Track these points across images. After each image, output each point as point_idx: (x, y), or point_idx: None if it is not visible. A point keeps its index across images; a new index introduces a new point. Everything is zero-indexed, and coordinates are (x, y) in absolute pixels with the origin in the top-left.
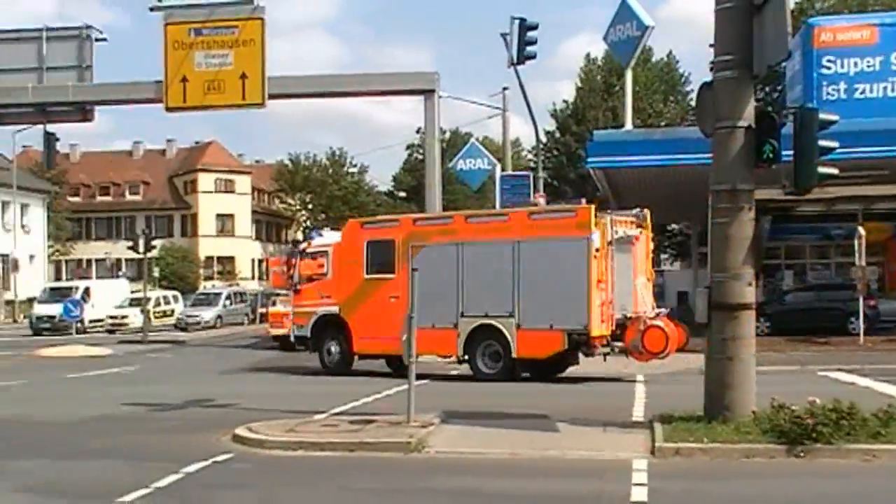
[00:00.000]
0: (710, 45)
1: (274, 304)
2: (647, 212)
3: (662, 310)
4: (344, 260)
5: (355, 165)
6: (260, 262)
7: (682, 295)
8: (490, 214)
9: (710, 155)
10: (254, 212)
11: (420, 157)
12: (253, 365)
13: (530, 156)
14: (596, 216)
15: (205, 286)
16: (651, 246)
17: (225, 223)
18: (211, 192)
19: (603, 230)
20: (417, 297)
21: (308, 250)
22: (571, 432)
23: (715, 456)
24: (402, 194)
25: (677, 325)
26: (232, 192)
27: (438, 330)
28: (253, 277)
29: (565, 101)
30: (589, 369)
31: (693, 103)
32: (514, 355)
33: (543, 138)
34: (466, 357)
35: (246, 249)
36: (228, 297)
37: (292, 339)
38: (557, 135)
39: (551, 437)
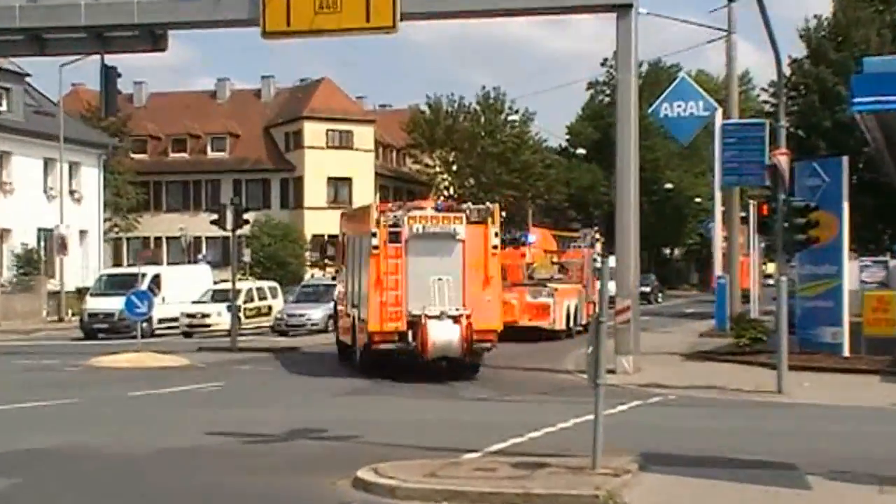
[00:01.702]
0: None
1: None
2: (492, 206)
3: (463, 311)
4: None
5: (516, 112)
6: None
7: None
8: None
9: None
10: (378, 175)
11: (607, 99)
12: (381, 382)
13: (766, 96)
14: (386, 212)
15: (312, 275)
16: (496, 241)
17: (340, 190)
18: (321, 147)
19: (383, 227)
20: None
21: None
22: (831, 492)
23: None
24: (581, 151)
25: None
26: (349, 147)
27: None
28: None
29: (817, 18)
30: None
31: None
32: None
33: (787, 70)
34: None
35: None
36: None
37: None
38: (807, 65)
39: (804, 500)
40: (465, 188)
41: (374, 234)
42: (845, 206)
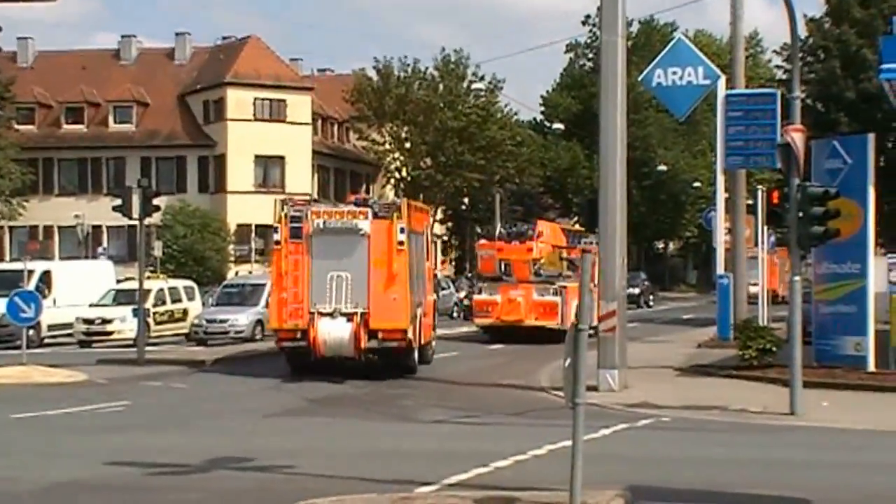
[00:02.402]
0: None
1: (480, 291)
2: (399, 201)
3: (358, 309)
4: None
5: (482, 79)
6: None
7: None
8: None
9: None
10: (316, 153)
11: (589, 65)
12: (322, 400)
13: (778, 61)
14: (285, 207)
15: (237, 273)
16: (402, 237)
17: (270, 171)
18: (248, 119)
19: (285, 221)
20: None
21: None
22: None
23: None
24: (559, 126)
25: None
26: (282, 120)
27: None
28: None
29: None
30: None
31: None
32: None
33: (803, 31)
34: None
35: None
36: None
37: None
38: (827, 25)
39: None
40: (420, 170)
41: (275, 230)
42: (871, 192)
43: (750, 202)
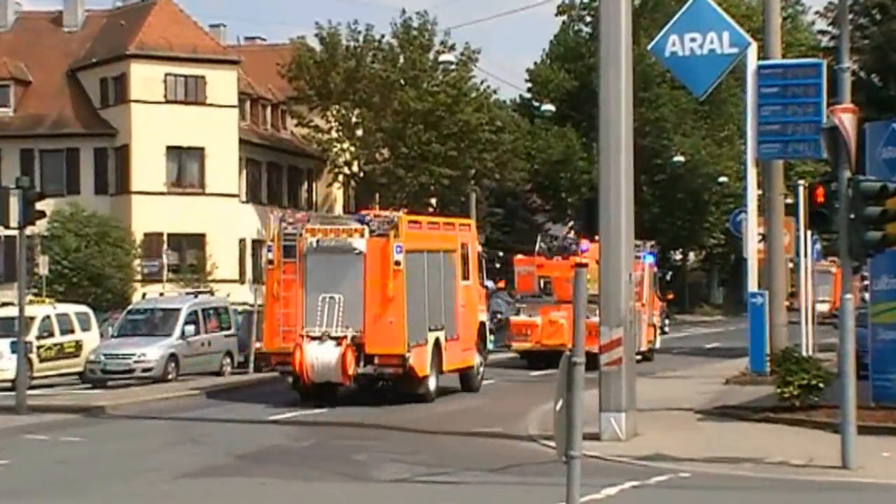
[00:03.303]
0: None
1: (518, 312)
2: (397, 215)
3: (348, 332)
4: None
5: (451, 48)
6: (258, 244)
7: None
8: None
9: None
10: (245, 143)
11: (587, 30)
12: (254, 455)
13: (823, 24)
14: (287, 223)
15: (145, 295)
16: (398, 257)
17: (186, 166)
18: (157, 101)
19: (278, 239)
20: None
21: None
22: None
23: None
24: (549, 108)
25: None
26: (200, 102)
27: None
28: (242, 278)
29: None
30: None
31: None
32: None
33: None
34: None
35: (228, 219)
36: (193, 320)
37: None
38: None
39: None
40: (376, 164)
41: (269, 248)
42: None
43: (789, 201)
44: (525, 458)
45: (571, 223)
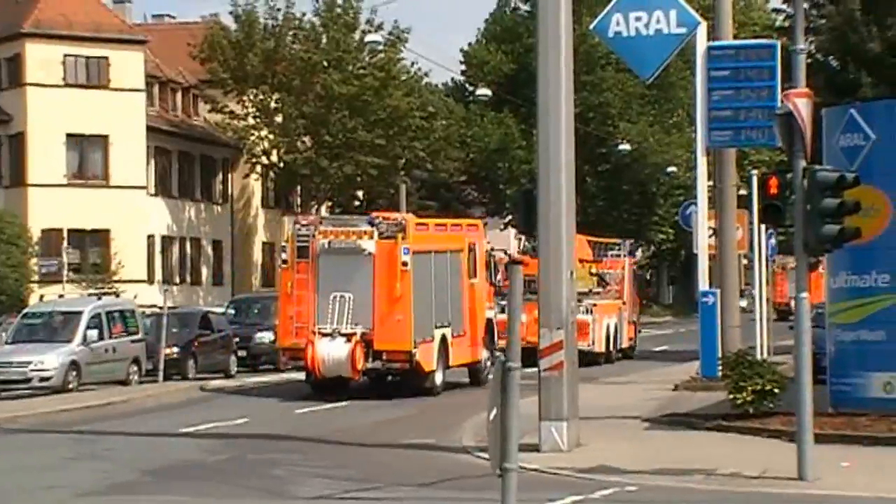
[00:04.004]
0: None
1: (502, 311)
2: (406, 219)
3: (357, 328)
4: None
5: (379, 28)
6: (169, 241)
7: None
8: None
9: None
10: (154, 131)
11: (525, 8)
12: (163, 470)
13: (776, 3)
14: (296, 226)
15: (43, 297)
16: (406, 258)
17: (89, 156)
18: (56, 85)
19: (292, 240)
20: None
21: None
22: None
23: None
24: (485, 93)
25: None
26: (104, 85)
27: None
28: (151, 278)
29: None
30: None
31: None
32: None
33: None
34: None
35: (134, 214)
36: (96, 324)
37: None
38: None
39: None
40: (297, 153)
41: (283, 249)
42: None
43: (743, 193)
44: (459, 472)
45: (510, 217)
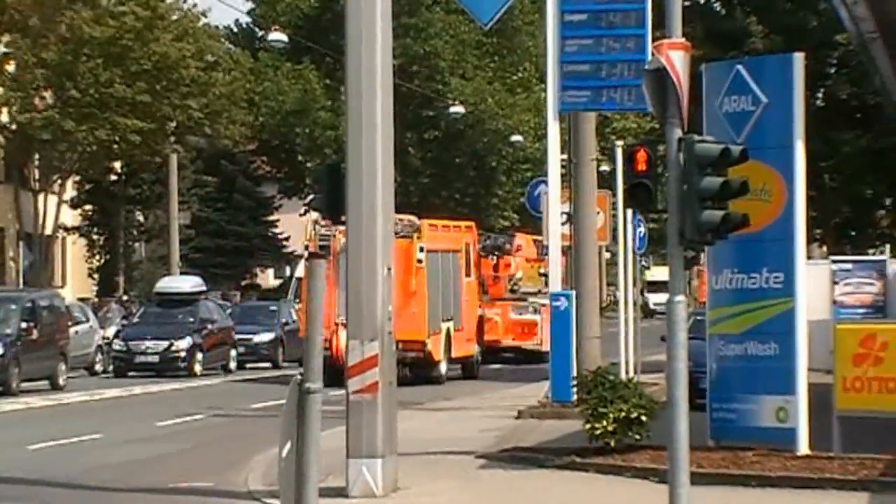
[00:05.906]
0: None
1: None
2: (420, 222)
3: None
4: None
5: None
6: None
7: None
8: None
9: None
10: None
11: None
12: None
13: None
14: (316, 227)
15: None
16: (420, 256)
17: None
18: None
19: (314, 240)
20: None
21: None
22: None
23: None
24: (279, 38)
25: None
26: None
27: None
28: None
29: None
30: None
31: None
32: None
33: None
34: None
35: None
36: None
37: None
38: None
39: None
40: (35, 112)
41: (306, 248)
42: (800, 151)
43: (605, 168)
44: None
45: (311, 198)
